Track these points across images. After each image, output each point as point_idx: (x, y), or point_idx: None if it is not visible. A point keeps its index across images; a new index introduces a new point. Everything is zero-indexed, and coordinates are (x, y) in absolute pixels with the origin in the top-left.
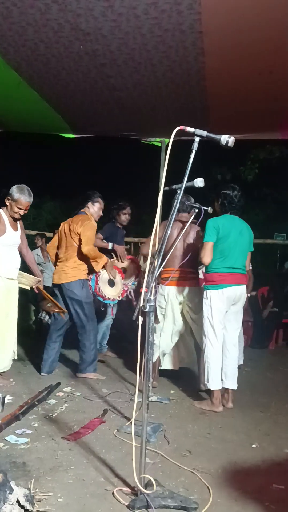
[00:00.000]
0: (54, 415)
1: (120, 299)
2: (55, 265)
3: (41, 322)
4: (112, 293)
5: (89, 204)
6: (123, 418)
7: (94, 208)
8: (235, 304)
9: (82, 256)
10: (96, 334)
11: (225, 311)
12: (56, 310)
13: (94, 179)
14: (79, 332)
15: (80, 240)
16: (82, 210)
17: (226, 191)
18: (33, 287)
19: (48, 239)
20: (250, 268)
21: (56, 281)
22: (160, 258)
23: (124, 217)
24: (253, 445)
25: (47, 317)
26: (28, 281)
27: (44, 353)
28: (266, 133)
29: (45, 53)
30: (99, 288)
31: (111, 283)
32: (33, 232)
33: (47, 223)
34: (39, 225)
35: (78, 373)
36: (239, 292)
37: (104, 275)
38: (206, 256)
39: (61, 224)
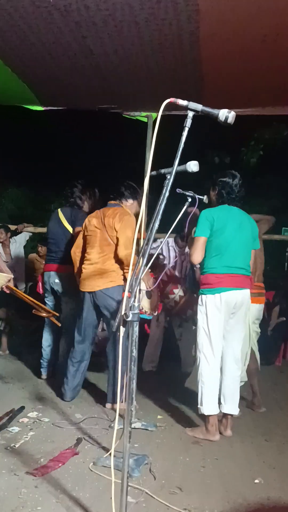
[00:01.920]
0: (16, 446)
1: (156, 314)
2: (79, 270)
3: (1, 334)
4: (148, 306)
5: (129, 200)
6: (100, 448)
7: (132, 207)
8: (236, 312)
9: (118, 259)
10: None
11: (225, 319)
12: (44, 314)
13: (67, 162)
14: (110, 350)
15: (117, 239)
16: (112, 202)
17: (224, 179)
18: (3, 287)
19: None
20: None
21: (87, 288)
22: (146, 258)
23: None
24: (256, 480)
25: (8, 327)
26: None
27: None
28: (272, 108)
29: (7, 9)
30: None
31: (148, 294)
32: None
33: (10, 214)
34: (0, 216)
35: (108, 403)
36: (241, 297)
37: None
38: (196, 253)
39: (86, 220)
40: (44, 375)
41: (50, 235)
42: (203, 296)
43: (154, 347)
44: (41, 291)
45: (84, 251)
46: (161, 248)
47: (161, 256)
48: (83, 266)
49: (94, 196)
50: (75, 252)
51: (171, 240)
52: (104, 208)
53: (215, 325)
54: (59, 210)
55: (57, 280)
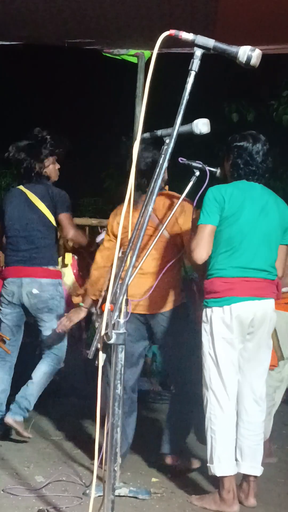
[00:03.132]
0: None
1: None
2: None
3: None
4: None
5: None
6: None
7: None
8: (256, 332)
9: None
10: None
11: (239, 344)
12: None
13: (30, 116)
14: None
15: (180, 237)
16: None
17: (241, 144)
18: None
19: None
20: None
21: (143, 310)
22: (135, 255)
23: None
24: None
25: None
26: None
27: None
28: None
29: None
30: None
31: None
32: None
33: None
34: None
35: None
36: (262, 311)
37: None
38: (200, 247)
39: (114, 214)
40: None
41: (13, 224)
42: (207, 309)
43: None
44: None
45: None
46: None
47: None
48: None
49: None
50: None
51: None
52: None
53: (225, 351)
54: (21, 187)
55: (35, 291)
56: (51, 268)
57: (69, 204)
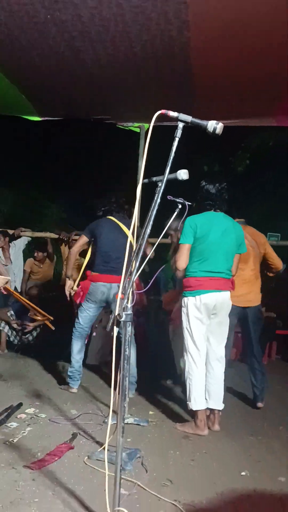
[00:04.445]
0: (15, 441)
1: None
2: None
3: (0, 334)
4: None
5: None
6: (94, 443)
7: None
8: (217, 314)
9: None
10: None
11: (206, 321)
12: (39, 318)
13: (61, 168)
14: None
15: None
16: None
17: (203, 184)
18: (1, 288)
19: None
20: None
21: (246, 304)
22: (138, 261)
23: None
24: (243, 473)
25: (6, 327)
26: None
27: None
28: (259, 119)
29: (7, 23)
30: None
31: None
32: None
33: (6, 219)
34: None
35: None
36: (221, 299)
37: None
38: (181, 260)
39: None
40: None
41: (107, 243)
42: (185, 298)
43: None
44: (82, 300)
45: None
46: None
47: None
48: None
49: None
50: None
51: None
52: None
53: (197, 327)
54: (112, 218)
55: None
56: None
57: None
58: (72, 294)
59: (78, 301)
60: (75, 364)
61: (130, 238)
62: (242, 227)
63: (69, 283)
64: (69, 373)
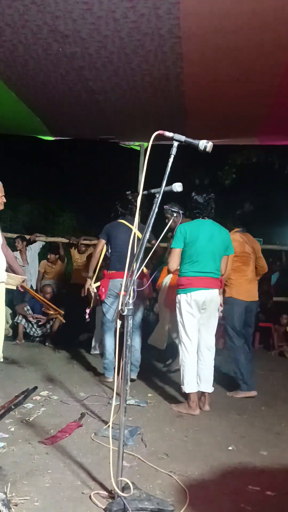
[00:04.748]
0: (30, 419)
1: None
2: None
3: (17, 326)
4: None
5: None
6: (100, 421)
7: None
8: (206, 309)
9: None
10: None
11: (197, 315)
12: (51, 312)
13: (72, 182)
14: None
15: (258, 260)
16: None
17: (192, 195)
18: (18, 286)
19: (28, 242)
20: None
21: (251, 299)
22: (139, 262)
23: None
24: (230, 448)
25: (23, 320)
26: (14, 281)
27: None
28: (244, 139)
29: (24, 55)
30: None
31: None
32: (9, 235)
33: (24, 226)
34: (16, 227)
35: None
36: (209, 296)
37: None
38: (172, 262)
39: (243, 242)
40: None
41: (121, 244)
42: (178, 295)
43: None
44: (104, 297)
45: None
46: None
47: None
48: (238, 280)
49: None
50: None
51: None
52: (243, 233)
53: (189, 320)
54: (123, 221)
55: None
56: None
57: None
58: (94, 290)
59: (102, 298)
60: (109, 356)
61: (130, 242)
62: (242, 234)
63: (89, 281)
64: (104, 365)
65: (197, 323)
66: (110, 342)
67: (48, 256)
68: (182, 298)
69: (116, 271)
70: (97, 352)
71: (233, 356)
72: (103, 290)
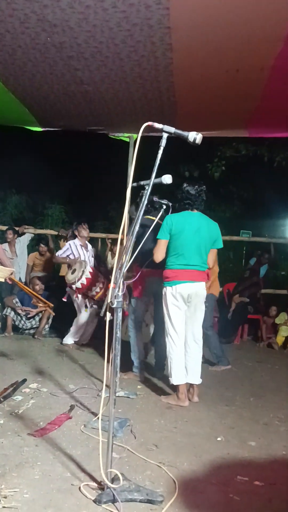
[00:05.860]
0: (20, 412)
1: None
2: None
3: (6, 318)
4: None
5: None
6: (90, 413)
7: None
8: (192, 301)
9: None
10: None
11: (183, 307)
12: (41, 304)
13: (61, 174)
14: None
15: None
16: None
17: (182, 187)
18: (6, 278)
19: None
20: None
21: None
22: (129, 255)
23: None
24: (218, 438)
25: (12, 313)
26: (2, 273)
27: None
28: (233, 131)
29: (11, 44)
30: None
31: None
32: None
33: (12, 218)
34: (4, 219)
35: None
36: (194, 289)
37: None
38: (157, 253)
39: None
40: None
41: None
42: (164, 288)
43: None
44: (140, 294)
45: None
46: (71, 250)
47: (71, 256)
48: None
49: None
50: None
51: (76, 241)
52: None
53: (175, 312)
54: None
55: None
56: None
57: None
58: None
59: (138, 296)
60: (140, 354)
61: (120, 235)
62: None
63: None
64: (135, 363)
65: (184, 315)
66: (139, 340)
67: (40, 248)
68: (167, 290)
69: (151, 269)
70: (69, 342)
71: (207, 343)
72: (140, 287)
